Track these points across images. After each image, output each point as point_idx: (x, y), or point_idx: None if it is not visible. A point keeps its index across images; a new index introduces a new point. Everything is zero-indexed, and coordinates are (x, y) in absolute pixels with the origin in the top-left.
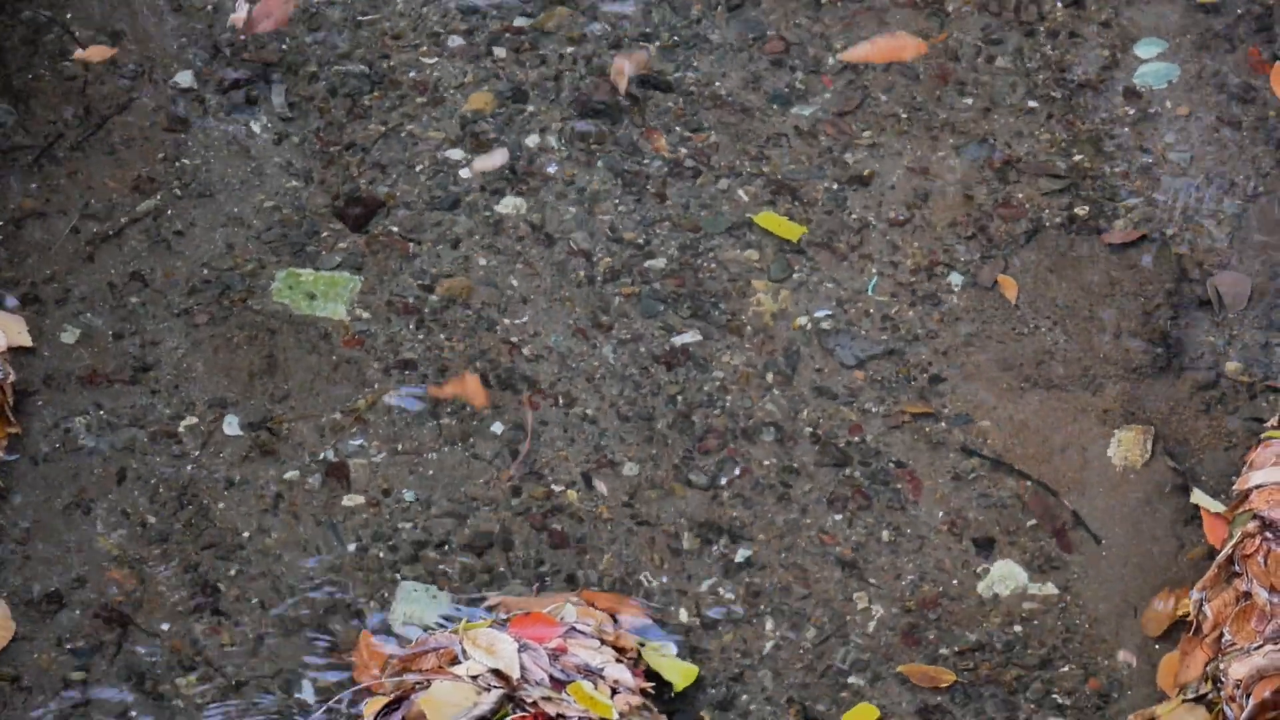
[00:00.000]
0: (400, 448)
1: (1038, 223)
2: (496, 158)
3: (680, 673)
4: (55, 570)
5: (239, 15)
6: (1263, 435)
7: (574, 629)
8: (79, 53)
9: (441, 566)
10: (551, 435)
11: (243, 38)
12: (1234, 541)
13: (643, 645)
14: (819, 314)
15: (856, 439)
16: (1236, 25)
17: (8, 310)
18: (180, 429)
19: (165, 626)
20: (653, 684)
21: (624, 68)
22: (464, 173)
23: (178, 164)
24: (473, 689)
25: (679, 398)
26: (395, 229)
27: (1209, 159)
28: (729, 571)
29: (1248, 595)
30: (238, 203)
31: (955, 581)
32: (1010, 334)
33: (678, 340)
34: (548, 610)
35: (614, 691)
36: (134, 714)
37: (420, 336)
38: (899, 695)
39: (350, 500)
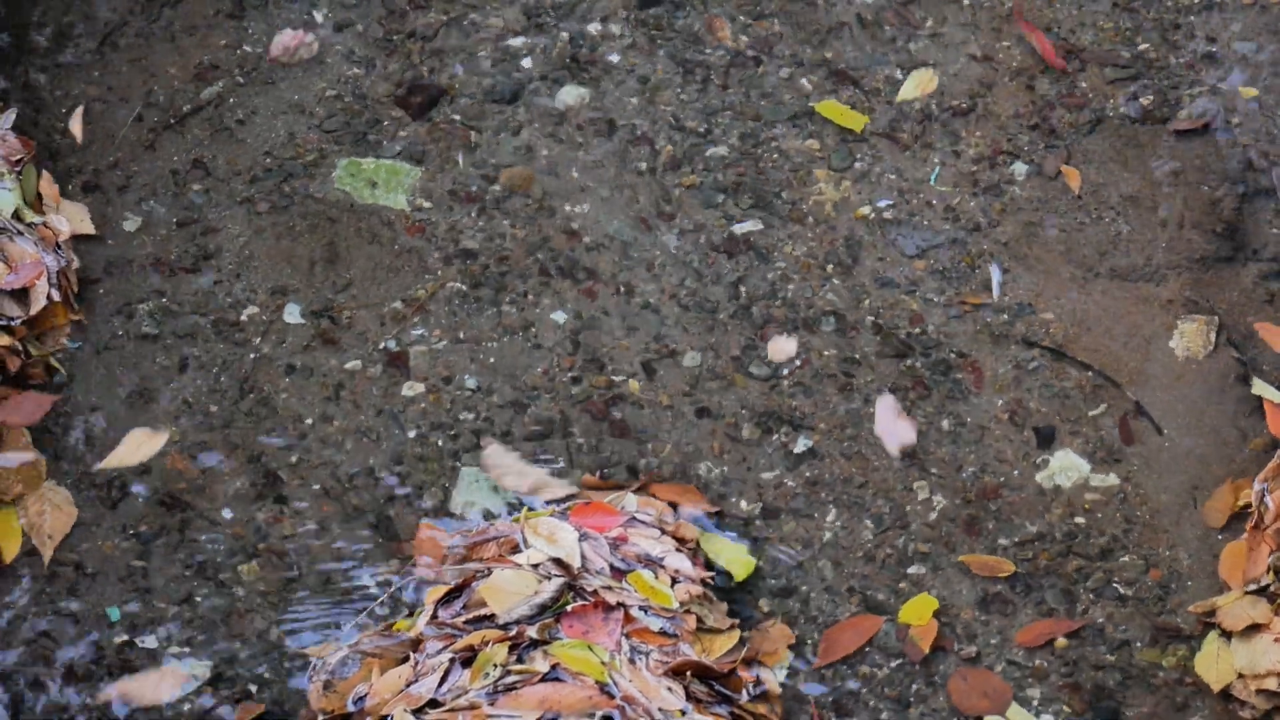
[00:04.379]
0: (461, 336)
1: (1101, 112)
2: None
3: (740, 562)
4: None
5: None
6: None
7: (634, 518)
8: None
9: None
10: (612, 324)
11: None
12: None
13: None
14: (881, 203)
15: (918, 329)
16: None
17: (71, 198)
18: (242, 317)
19: (227, 514)
20: (713, 573)
21: None
22: (526, 62)
23: (239, 51)
24: (534, 577)
25: (740, 287)
26: (457, 117)
27: (1274, 47)
28: (789, 461)
29: None
30: (299, 91)
31: (1016, 472)
32: (1073, 224)
33: (739, 229)
34: (608, 499)
35: (674, 581)
36: (196, 600)
37: (481, 225)
38: (959, 585)
39: (411, 389)
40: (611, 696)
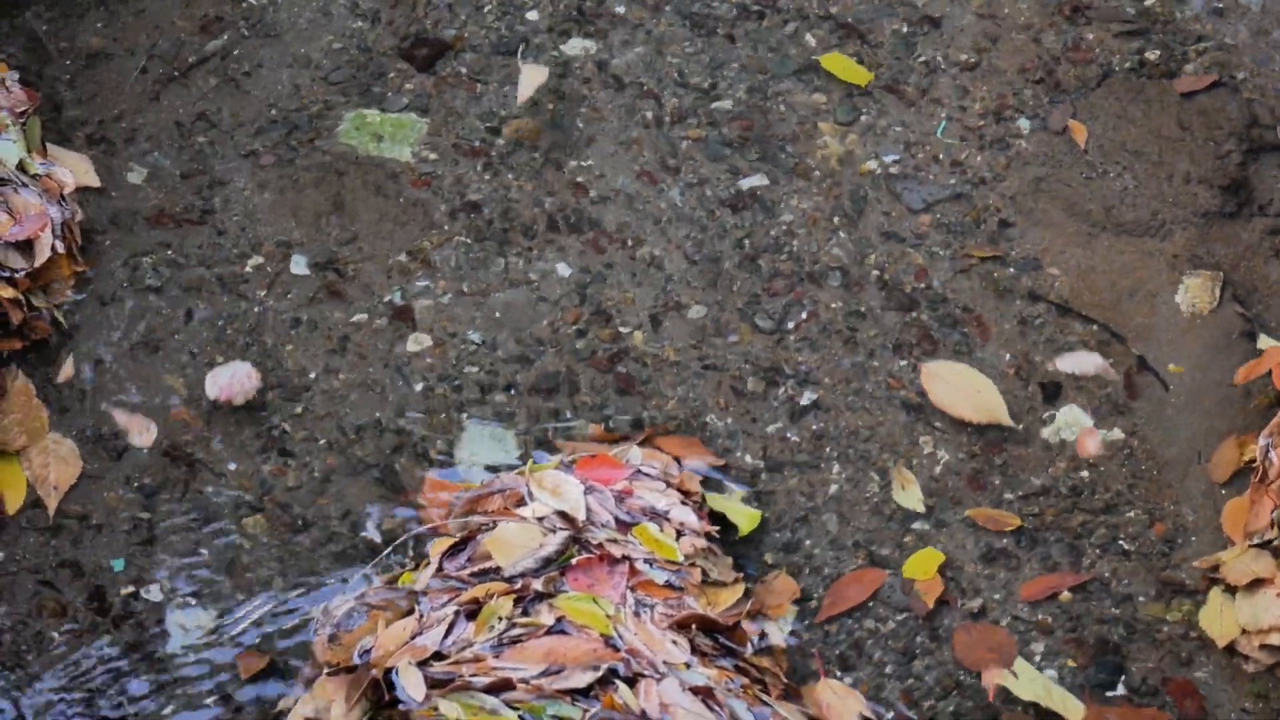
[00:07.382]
0: (466, 289)
1: (1108, 67)
2: None
3: (745, 516)
4: (123, 409)
5: None
6: None
7: (640, 471)
8: None
9: (508, 408)
10: (618, 278)
11: None
12: None
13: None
14: (887, 158)
15: (923, 283)
16: None
17: (75, 150)
18: (247, 269)
19: (232, 466)
20: (718, 527)
21: None
22: (532, 14)
23: (245, 4)
24: (539, 530)
25: (746, 241)
26: (463, 70)
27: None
28: (794, 415)
29: None
30: (305, 43)
31: (1021, 426)
32: (1079, 179)
33: (745, 183)
34: (614, 453)
35: (679, 534)
36: (202, 553)
37: (487, 178)
38: (964, 539)
39: (416, 342)
40: (616, 649)
